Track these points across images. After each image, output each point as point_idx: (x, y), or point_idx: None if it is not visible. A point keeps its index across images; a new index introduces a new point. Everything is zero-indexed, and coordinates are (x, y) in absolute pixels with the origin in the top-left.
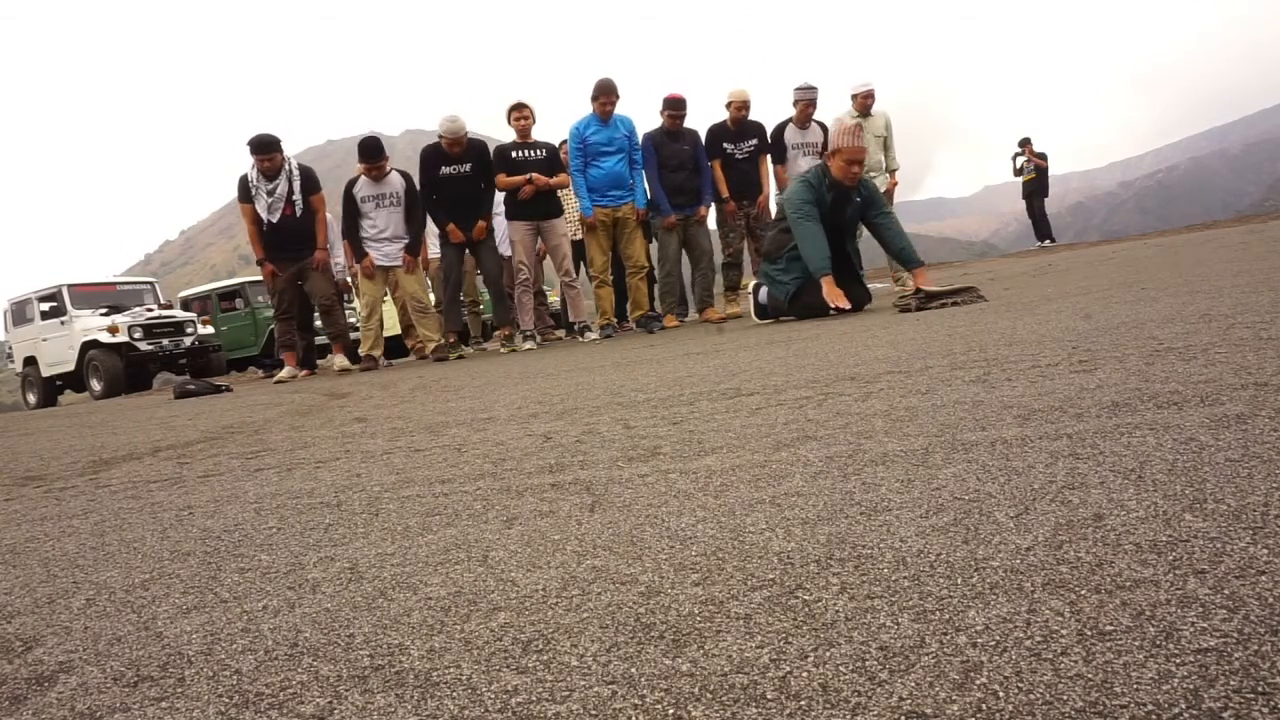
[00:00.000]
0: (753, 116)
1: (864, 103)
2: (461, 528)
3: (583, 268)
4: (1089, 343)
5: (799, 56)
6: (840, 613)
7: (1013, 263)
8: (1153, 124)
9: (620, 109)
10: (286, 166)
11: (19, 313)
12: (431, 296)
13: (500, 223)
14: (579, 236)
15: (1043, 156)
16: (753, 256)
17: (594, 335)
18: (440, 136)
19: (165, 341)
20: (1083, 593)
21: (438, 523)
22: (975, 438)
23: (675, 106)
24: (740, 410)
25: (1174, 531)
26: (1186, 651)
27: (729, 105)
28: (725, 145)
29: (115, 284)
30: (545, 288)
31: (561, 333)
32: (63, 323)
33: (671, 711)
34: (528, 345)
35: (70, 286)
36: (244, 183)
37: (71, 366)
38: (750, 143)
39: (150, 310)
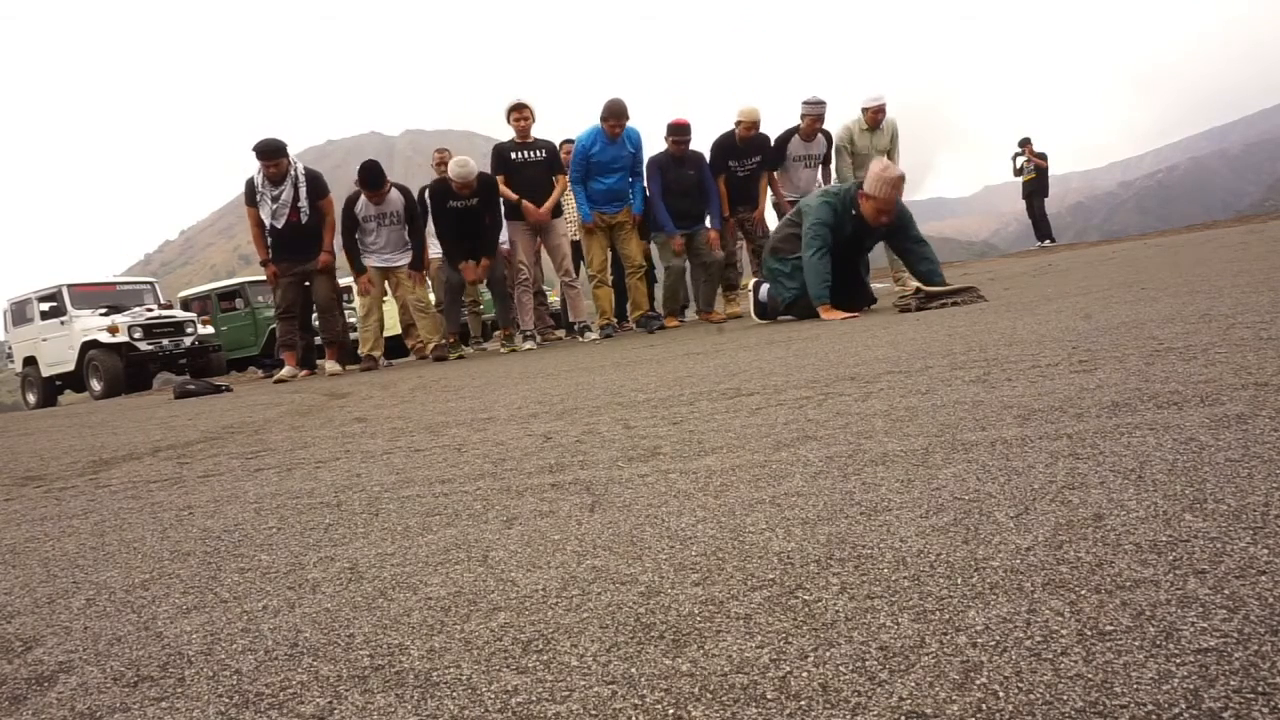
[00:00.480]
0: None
1: (874, 117)
2: (461, 528)
3: (582, 268)
4: (1089, 343)
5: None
6: (840, 613)
7: (1013, 263)
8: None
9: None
10: (292, 172)
11: (19, 313)
12: (431, 296)
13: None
14: (578, 237)
15: (1043, 156)
16: (751, 258)
17: (594, 335)
18: (450, 179)
19: (165, 341)
20: (1083, 593)
21: (438, 523)
22: (975, 438)
23: (679, 132)
24: (740, 410)
25: (1174, 531)
26: (1186, 651)
27: (738, 123)
28: (730, 163)
29: (115, 284)
30: (545, 288)
31: (561, 333)
32: (63, 323)
33: (671, 711)
34: (528, 345)
35: (70, 286)
36: (250, 186)
37: (71, 366)
38: (754, 159)
39: (150, 310)
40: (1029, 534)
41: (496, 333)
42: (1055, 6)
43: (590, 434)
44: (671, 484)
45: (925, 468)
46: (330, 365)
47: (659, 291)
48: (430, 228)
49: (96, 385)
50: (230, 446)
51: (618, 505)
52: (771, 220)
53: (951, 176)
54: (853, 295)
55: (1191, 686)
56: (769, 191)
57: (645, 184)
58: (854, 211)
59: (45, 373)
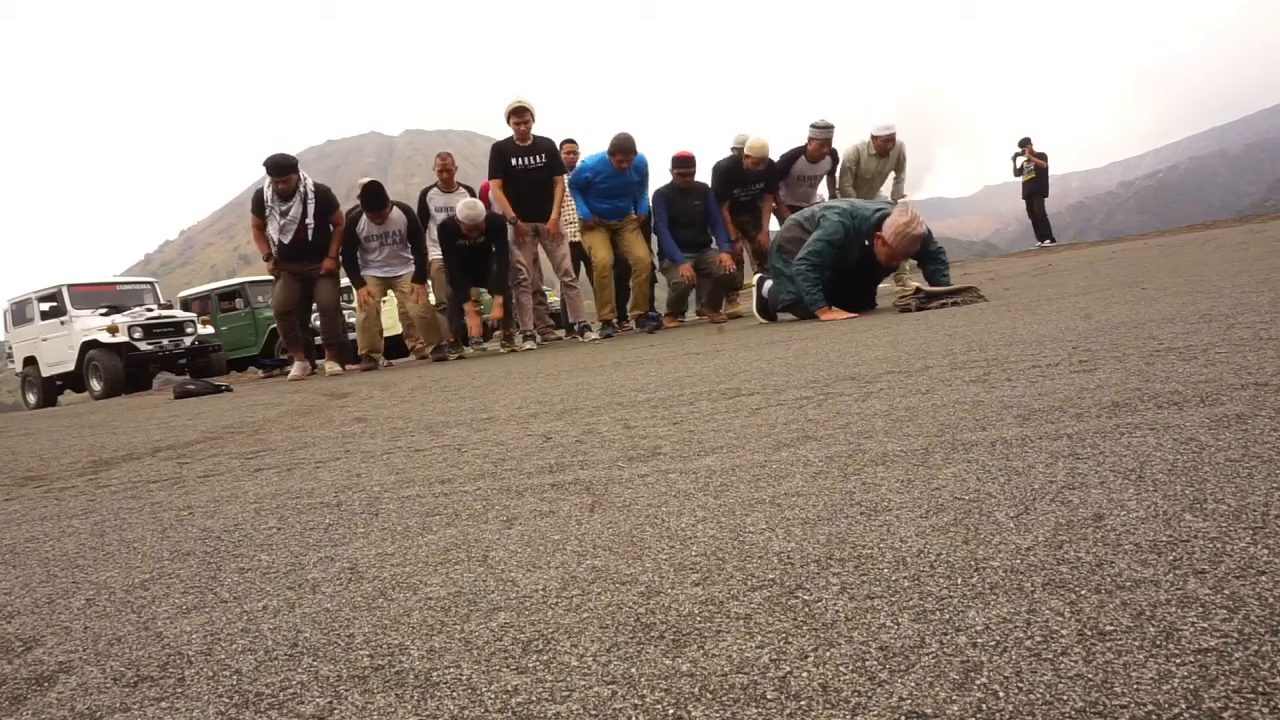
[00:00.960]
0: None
1: (884, 145)
2: (461, 528)
3: (582, 268)
4: (1089, 343)
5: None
6: (840, 613)
7: (1013, 263)
8: (1153, 124)
9: (621, 114)
10: (302, 188)
11: (19, 313)
12: (432, 297)
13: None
14: (578, 238)
15: (1043, 156)
16: (752, 259)
17: (594, 335)
18: (459, 221)
19: (165, 341)
20: (1083, 593)
21: (438, 523)
22: (975, 438)
23: (684, 164)
24: (740, 410)
25: (1174, 531)
26: (1186, 651)
27: (746, 157)
28: (735, 190)
29: (115, 284)
30: (545, 288)
31: (561, 333)
32: (63, 323)
33: (671, 711)
34: (528, 345)
35: (70, 286)
36: (259, 198)
37: (71, 366)
38: (757, 185)
39: (150, 310)
40: (1029, 534)
41: (496, 332)
42: (1055, 6)
43: (590, 434)
44: (671, 484)
45: (925, 468)
46: (330, 366)
47: (659, 293)
48: (430, 231)
49: (96, 385)
50: (230, 446)
51: (618, 505)
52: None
53: (951, 176)
54: (858, 302)
55: (1191, 686)
56: (772, 214)
57: (651, 211)
58: (866, 243)
59: (45, 373)
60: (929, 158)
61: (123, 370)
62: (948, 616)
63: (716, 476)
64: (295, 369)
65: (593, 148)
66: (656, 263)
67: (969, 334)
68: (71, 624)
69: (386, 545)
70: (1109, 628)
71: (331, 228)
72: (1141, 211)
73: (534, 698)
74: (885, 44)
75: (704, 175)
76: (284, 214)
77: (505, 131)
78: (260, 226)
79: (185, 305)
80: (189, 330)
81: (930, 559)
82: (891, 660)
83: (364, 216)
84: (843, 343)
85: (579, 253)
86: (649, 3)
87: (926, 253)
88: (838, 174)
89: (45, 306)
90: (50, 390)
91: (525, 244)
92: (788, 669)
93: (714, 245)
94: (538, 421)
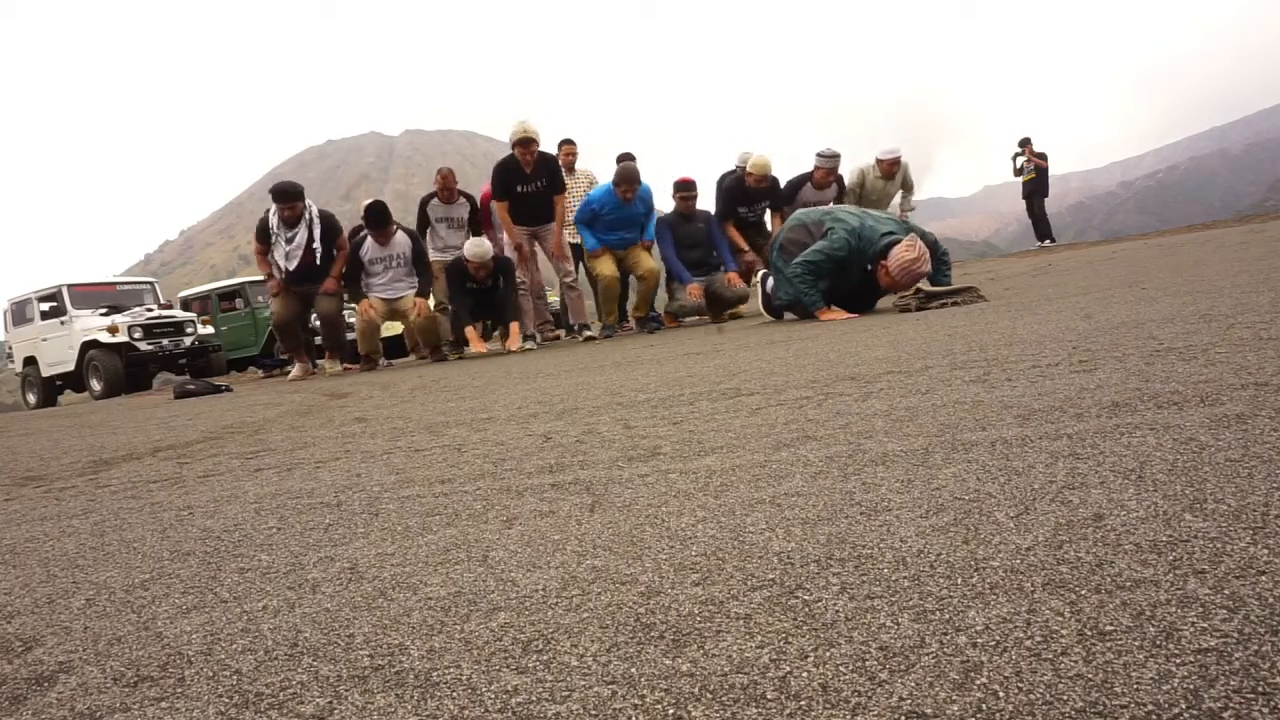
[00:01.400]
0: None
1: (889, 168)
2: (461, 528)
3: (582, 268)
4: (1089, 343)
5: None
6: (840, 613)
7: (1013, 263)
8: (1153, 124)
9: (621, 114)
10: (306, 215)
11: (19, 313)
12: (431, 300)
13: (497, 221)
14: (577, 239)
15: (1043, 156)
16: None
17: (593, 335)
18: (467, 260)
19: (165, 341)
20: (1083, 593)
21: (438, 523)
22: (975, 438)
23: (686, 189)
24: (740, 410)
25: (1174, 531)
26: (1186, 651)
27: (748, 175)
28: (739, 209)
29: (115, 284)
30: (545, 288)
31: (561, 333)
32: (63, 323)
33: (671, 711)
34: (528, 345)
35: (70, 286)
36: (264, 225)
37: (71, 366)
38: (762, 204)
39: (150, 310)
40: (1029, 534)
41: (495, 332)
42: (1055, 6)
43: (590, 434)
44: (671, 484)
45: (925, 468)
46: (330, 365)
47: (659, 293)
48: (429, 239)
49: (96, 385)
50: (230, 446)
51: (618, 505)
52: None
53: (951, 176)
54: (860, 304)
55: (1191, 686)
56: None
57: (656, 238)
58: (870, 266)
59: (45, 373)
60: (929, 158)
61: (123, 370)
62: (948, 616)
63: (716, 476)
64: (295, 369)
65: (593, 148)
66: (664, 280)
67: (969, 334)
68: (71, 624)
69: (386, 545)
70: (1109, 628)
71: (335, 252)
72: (1141, 211)
73: (534, 698)
74: (885, 44)
75: (705, 191)
76: (289, 240)
77: (505, 132)
78: (263, 253)
79: (185, 305)
80: (189, 330)
81: (930, 559)
82: (891, 660)
83: (368, 241)
84: (843, 343)
85: (579, 253)
86: (649, 2)
87: (936, 258)
88: (845, 198)
89: (45, 306)
90: (50, 390)
91: (524, 250)
92: (788, 669)
93: (721, 269)
94: (538, 421)
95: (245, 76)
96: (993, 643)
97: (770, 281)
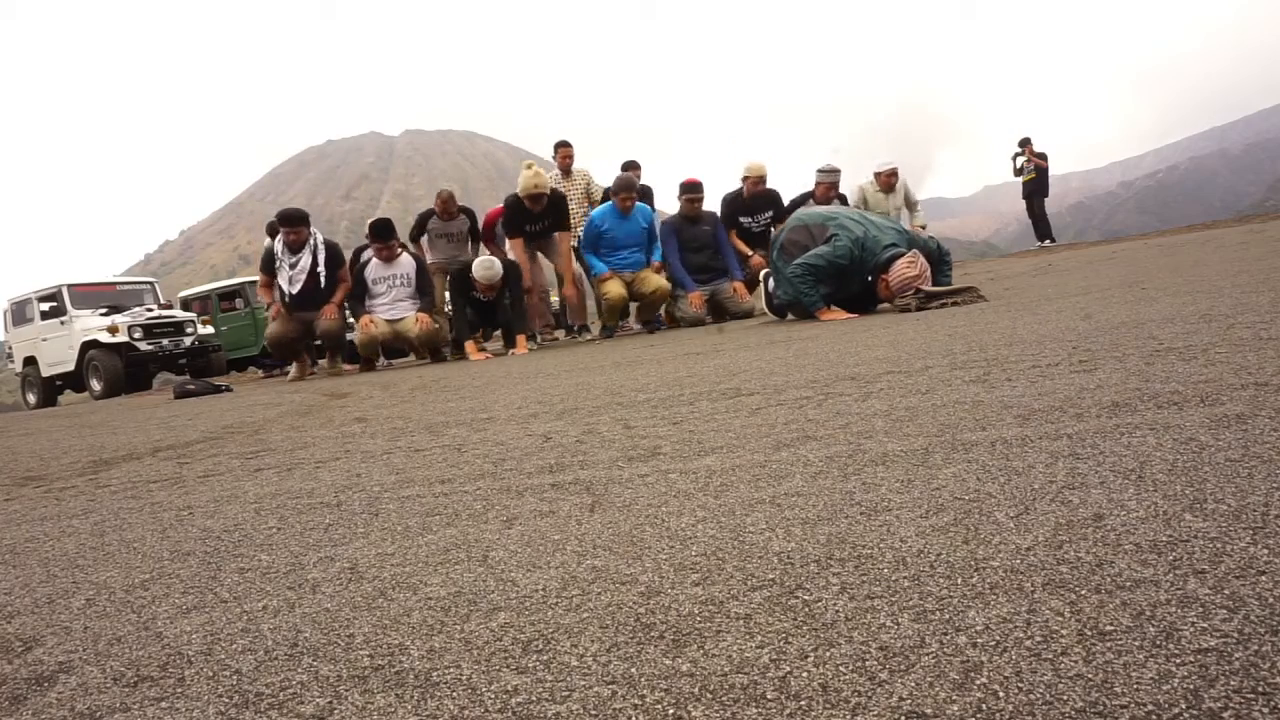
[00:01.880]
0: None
1: (887, 181)
2: (461, 528)
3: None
4: (1089, 343)
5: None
6: (840, 613)
7: (1013, 263)
8: (1153, 124)
9: (621, 114)
10: (311, 241)
11: (19, 313)
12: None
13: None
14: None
15: (1043, 156)
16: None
17: (594, 335)
18: (475, 280)
19: (165, 341)
20: (1083, 593)
21: (438, 523)
22: (975, 438)
23: (692, 191)
24: (740, 410)
25: (1174, 531)
26: (1186, 651)
27: (744, 179)
28: (741, 219)
29: (115, 284)
30: (548, 288)
31: (561, 333)
32: (63, 323)
33: (671, 711)
34: (530, 345)
35: (70, 286)
36: (269, 255)
37: (71, 366)
38: (765, 215)
39: (150, 310)
40: (1029, 534)
41: (495, 333)
42: (1055, 6)
43: (590, 434)
44: (671, 484)
45: (925, 468)
46: (330, 365)
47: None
48: (425, 248)
49: (96, 385)
50: (230, 446)
51: (618, 505)
52: None
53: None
54: (860, 304)
55: (1191, 686)
56: None
57: (661, 246)
58: (870, 275)
59: (45, 373)
60: (929, 158)
61: (123, 370)
62: (948, 616)
63: (716, 476)
64: (294, 369)
65: (593, 148)
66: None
67: (969, 334)
68: (71, 624)
69: (386, 545)
70: (1109, 628)
71: (338, 283)
72: (1141, 211)
73: (534, 698)
74: (885, 44)
75: (707, 192)
76: (293, 265)
77: (504, 133)
78: (268, 284)
79: (185, 305)
80: (189, 330)
81: (930, 559)
82: (891, 660)
83: (373, 261)
84: (843, 343)
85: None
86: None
87: (940, 262)
88: None
89: (45, 306)
90: (50, 390)
91: (523, 254)
92: (788, 669)
93: (726, 275)
94: (538, 421)
95: (245, 76)
96: (993, 643)
97: (771, 281)
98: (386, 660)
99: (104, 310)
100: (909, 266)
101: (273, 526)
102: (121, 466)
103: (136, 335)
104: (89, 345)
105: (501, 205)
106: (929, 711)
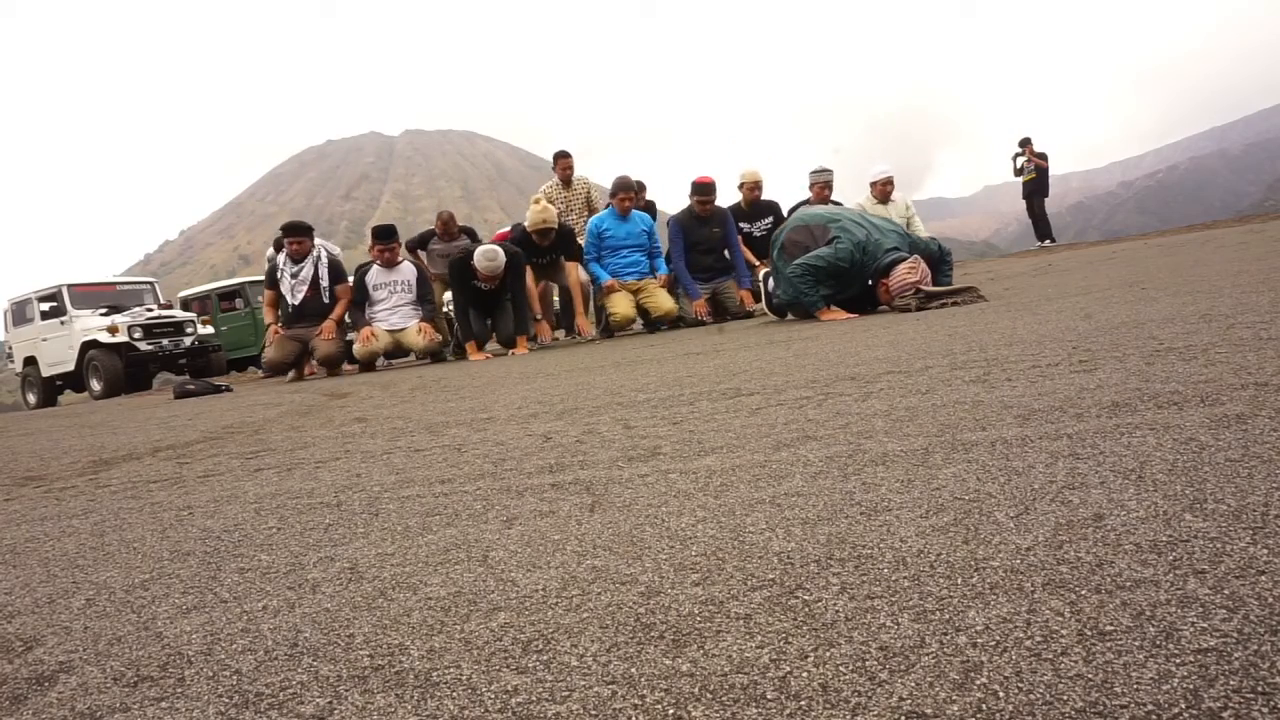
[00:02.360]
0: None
1: (883, 189)
2: (461, 528)
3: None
4: (1089, 343)
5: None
6: (840, 613)
7: (1013, 263)
8: (1153, 124)
9: (621, 113)
10: (315, 253)
11: (19, 313)
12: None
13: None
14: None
15: (1043, 156)
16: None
17: (594, 335)
18: (475, 269)
19: (165, 341)
20: (1083, 593)
21: (438, 523)
22: (975, 438)
23: (704, 191)
24: (740, 410)
25: (1174, 531)
26: (1186, 651)
27: (741, 186)
28: (742, 225)
29: (115, 284)
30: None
31: (561, 333)
32: (63, 323)
33: (671, 711)
34: (530, 346)
35: (70, 286)
36: (273, 269)
37: (71, 366)
38: (766, 221)
39: (150, 310)
40: (1029, 534)
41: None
42: (1055, 6)
43: (590, 434)
44: (671, 484)
45: (925, 468)
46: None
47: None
48: (422, 258)
49: (96, 385)
50: (230, 446)
51: (618, 505)
52: None
53: (951, 176)
54: (860, 304)
55: (1191, 686)
56: None
57: (666, 249)
58: (870, 279)
59: (45, 373)
60: (929, 158)
61: (123, 370)
62: (948, 616)
63: (716, 476)
64: (292, 372)
65: (593, 149)
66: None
67: (969, 334)
68: (71, 624)
69: (386, 545)
70: (1109, 628)
71: (338, 298)
72: (1141, 211)
73: (534, 698)
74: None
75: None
76: (295, 275)
77: (504, 134)
78: (273, 301)
79: (185, 305)
80: (189, 330)
81: (930, 559)
82: (891, 660)
83: (375, 267)
84: (843, 343)
85: (585, 292)
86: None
87: (941, 263)
88: None
89: (45, 306)
90: (50, 390)
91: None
92: (788, 669)
93: (739, 280)
94: (538, 421)
95: (245, 76)
96: (993, 643)
97: (771, 281)
98: (386, 660)
99: (104, 310)
100: (909, 273)
101: (273, 526)
102: (121, 466)
103: (136, 335)
104: (89, 345)
105: (508, 230)
106: (929, 711)
